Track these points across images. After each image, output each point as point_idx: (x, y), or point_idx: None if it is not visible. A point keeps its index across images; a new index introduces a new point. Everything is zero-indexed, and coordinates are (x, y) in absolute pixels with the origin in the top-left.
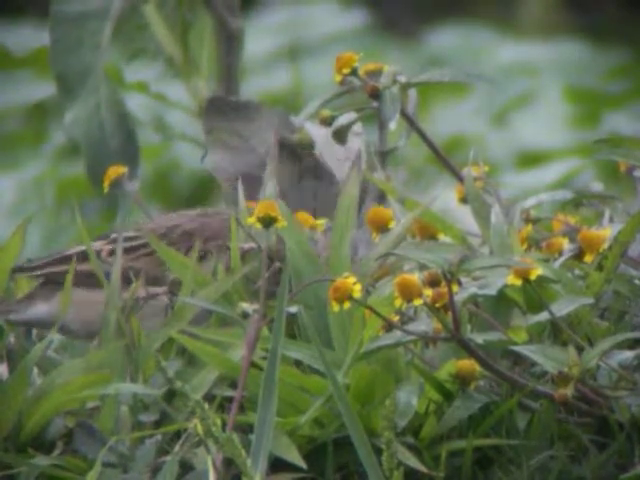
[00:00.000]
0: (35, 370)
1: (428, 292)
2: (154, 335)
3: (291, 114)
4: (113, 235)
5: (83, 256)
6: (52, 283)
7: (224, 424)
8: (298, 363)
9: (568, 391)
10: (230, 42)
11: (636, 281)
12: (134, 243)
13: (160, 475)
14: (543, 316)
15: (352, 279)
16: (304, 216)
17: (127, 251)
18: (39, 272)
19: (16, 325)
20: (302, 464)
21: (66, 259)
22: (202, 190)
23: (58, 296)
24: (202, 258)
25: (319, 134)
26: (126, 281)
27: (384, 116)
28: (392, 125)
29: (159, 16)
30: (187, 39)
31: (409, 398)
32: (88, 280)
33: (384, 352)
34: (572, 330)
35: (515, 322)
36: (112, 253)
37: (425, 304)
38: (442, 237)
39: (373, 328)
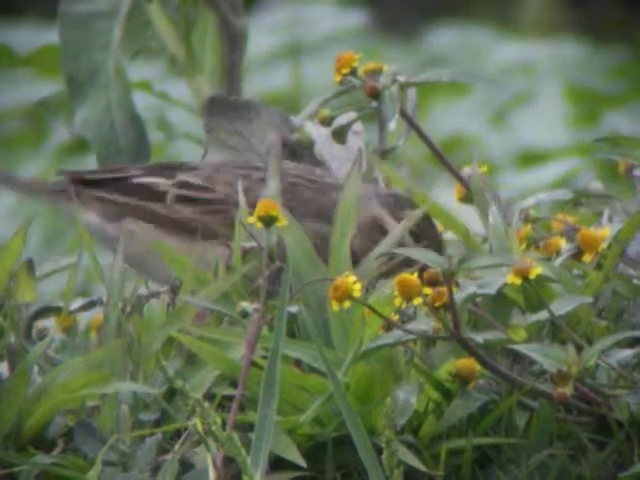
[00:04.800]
0: (35, 369)
1: (428, 291)
2: (154, 334)
3: (291, 113)
4: (179, 177)
5: (148, 193)
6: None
7: (224, 423)
8: (298, 362)
9: (567, 390)
10: (233, 41)
11: (635, 280)
12: (203, 195)
13: (160, 474)
14: (542, 315)
15: (352, 278)
16: None
17: (194, 202)
18: (105, 195)
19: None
20: (302, 463)
21: (133, 189)
22: None
23: (122, 222)
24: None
25: (319, 134)
26: (191, 232)
27: (383, 116)
28: (391, 125)
29: (162, 14)
30: (190, 38)
31: (408, 397)
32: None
33: (384, 351)
34: (571, 329)
35: (514, 321)
36: (180, 200)
37: (425, 303)
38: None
39: (373, 327)
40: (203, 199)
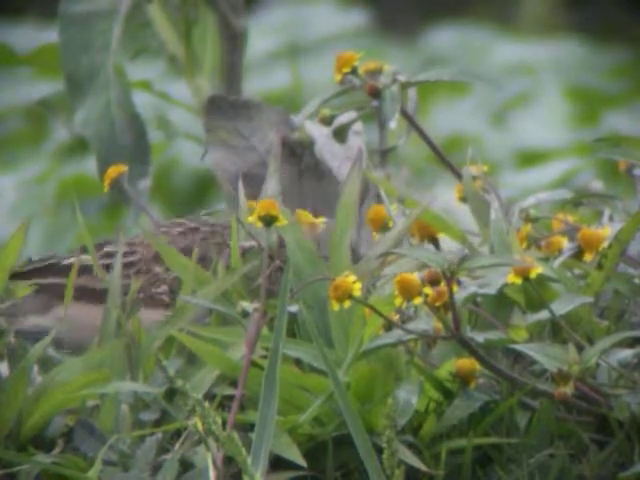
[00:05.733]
0: (35, 368)
1: (428, 291)
2: (154, 333)
3: (291, 113)
4: (106, 248)
5: (80, 269)
6: (47, 293)
7: (224, 423)
8: (298, 362)
9: (568, 389)
10: (233, 41)
11: (636, 280)
12: (129, 259)
13: (160, 473)
14: (543, 315)
15: (352, 278)
16: (303, 214)
17: (122, 267)
18: (35, 280)
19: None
20: (302, 462)
21: (64, 269)
22: (202, 188)
23: (53, 309)
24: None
25: (319, 133)
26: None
27: (384, 115)
28: (392, 124)
29: (162, 14)
30: (190, 37)
31: (409, 397)
32: (84, 294)
33: (384, 351)
34: (572, 329)
35: (515, 321)
36: (106, 268)
37: (425, 303)
38: (442, 236)
39: (373, 327)
40: (127, 263)
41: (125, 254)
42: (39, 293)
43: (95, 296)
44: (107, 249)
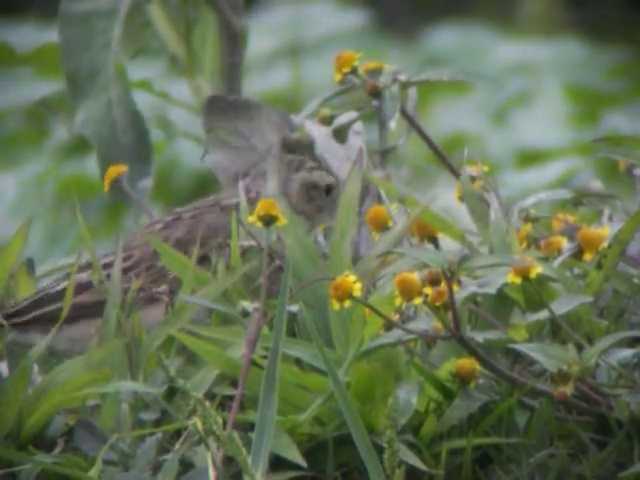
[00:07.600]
0: (35, 368)
1: (428, 291)
2: (154, 333)
3: (291, 113)
4: (103, 260)
5: (78, 287)
6: (47, 321)
7: (224, 422)
8: (298, 361)
9: (567, 389)
10: (233, 41)
11: (635, 280)
12: (126, 264)
13: (160, 473)
14: (543, 314)
15: (352, 277)
16: None
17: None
18: (30, 316)
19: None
20: (302, 462)
21: (57, 295)
22: (202, 188)
23: (63, 330)
24: (202, 260)
25: (319, 133)
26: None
27: (384, 115)
28: (392, 124)
29: (163, 14)
30: (191, 37)
31: (409, 396)
32: (89, 310)
33: (384, 351)
34: (571, 328)
35: (515, 320)
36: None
37: (425, 303)
38: (441, 236)
39: (373, 327)
40: (126, 268)
41: (122, 259)
42: (46, 322)
43: (100, 309)
44: (106, 260)
